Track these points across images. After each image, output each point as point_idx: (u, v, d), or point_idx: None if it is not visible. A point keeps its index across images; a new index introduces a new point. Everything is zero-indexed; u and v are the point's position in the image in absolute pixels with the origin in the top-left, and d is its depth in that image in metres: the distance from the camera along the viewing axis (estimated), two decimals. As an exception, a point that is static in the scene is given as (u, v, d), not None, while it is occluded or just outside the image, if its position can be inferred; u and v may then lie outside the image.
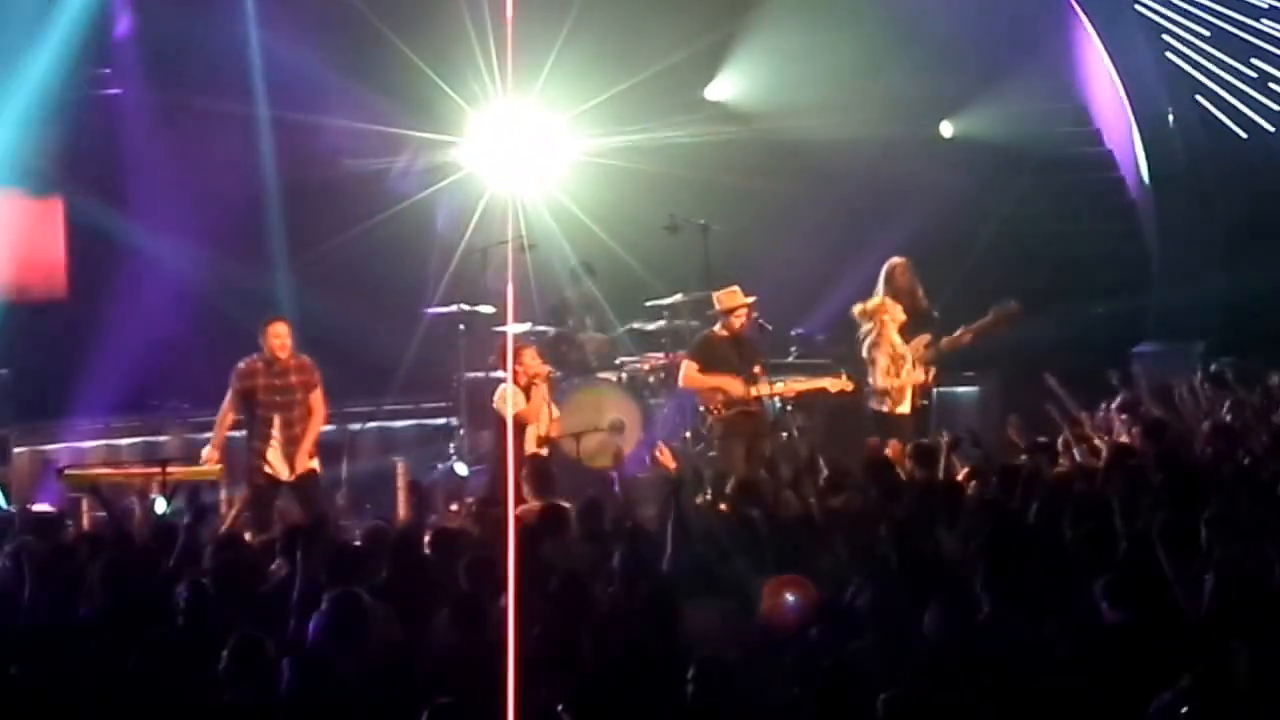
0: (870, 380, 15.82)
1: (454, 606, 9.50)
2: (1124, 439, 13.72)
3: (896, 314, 15.86)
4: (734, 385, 15.31)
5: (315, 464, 14.84)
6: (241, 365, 14.77)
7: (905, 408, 15.77)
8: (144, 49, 19.15)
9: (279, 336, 14.71)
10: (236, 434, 15.15)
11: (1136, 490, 11.27)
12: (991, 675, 8.35)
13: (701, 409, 15.91)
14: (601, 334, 17.86)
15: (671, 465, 13.71)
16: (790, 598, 9.48)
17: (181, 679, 8.66)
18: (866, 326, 15.92)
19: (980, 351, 17.30)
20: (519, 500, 12.94)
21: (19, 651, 9.16)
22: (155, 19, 19.19)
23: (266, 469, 14.62)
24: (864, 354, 15.90)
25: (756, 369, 15.41)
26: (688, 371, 15.55)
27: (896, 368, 15.69)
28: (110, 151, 19.12)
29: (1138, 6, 19.97)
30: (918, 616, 8.83)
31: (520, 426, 15.08)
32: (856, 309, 16.05)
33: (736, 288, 15.63)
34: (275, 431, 14.64)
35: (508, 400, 14.92)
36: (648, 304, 17.88)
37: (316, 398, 14.80)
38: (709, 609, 9.58)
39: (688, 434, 16.65)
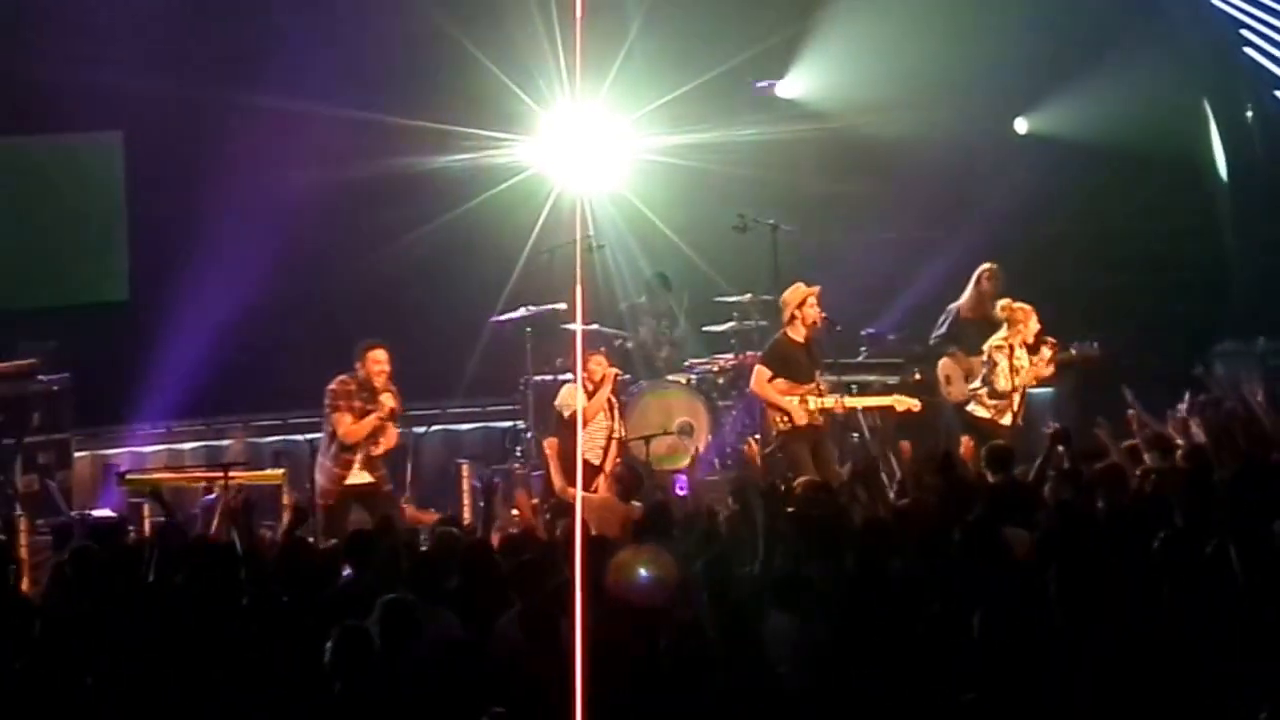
0: (983, 381, 15.47)
1: (521, 613, 9.36)
2: (1200, 440, 13.48)
3: (1031, 328, 15.39)
4: (796, 410, 14.94)
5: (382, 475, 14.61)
6: (334, 386, 14.36)
7: (1007, 419, 15.31)
8: (210, 49, 19.07)
9: (379, 363, 14.32)
10: (299, 437, 15.03)
11: (1213, 493, 11.06)
12: (1066, 680, 8.16)
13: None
14: (672, 346, 17.67)
15: (758, 463, 13.54)
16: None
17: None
18: (1003, 326, 15.44)
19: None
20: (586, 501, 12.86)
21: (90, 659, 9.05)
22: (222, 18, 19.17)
23: (346, 484, 14.33)
24: (985, 353, 15.47)
25: (818, 375, 15.09)
26: (758, 377, 15.24)
27: (1013, 378, 15.23)
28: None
29: (1215, 0, 19.71)
30: (987, 619, 8.63)
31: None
32: (1003, 302, 15.65)
33: (800, 284, 15.33)
34: (358, 457, 14.34)
35: (577, 399, 14.85)
36: (716, 300, 17.70)
37: (392, 430, 14.46)
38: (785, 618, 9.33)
39: (756, 435, 16.47)
